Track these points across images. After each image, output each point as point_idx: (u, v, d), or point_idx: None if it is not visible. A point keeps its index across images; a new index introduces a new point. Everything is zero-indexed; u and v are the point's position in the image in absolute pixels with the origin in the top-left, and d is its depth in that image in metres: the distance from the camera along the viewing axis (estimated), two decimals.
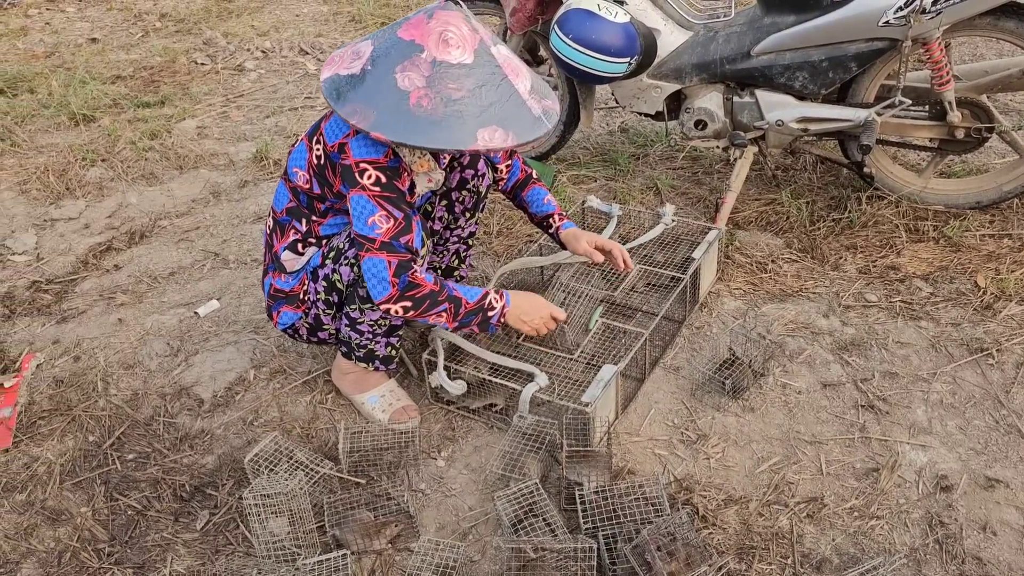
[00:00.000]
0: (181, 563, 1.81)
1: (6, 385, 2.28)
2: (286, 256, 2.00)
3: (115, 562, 1.82)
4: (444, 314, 1.83)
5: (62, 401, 2.27)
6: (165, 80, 4.54)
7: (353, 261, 1.90)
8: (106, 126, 3.90)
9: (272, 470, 1.92)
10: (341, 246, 1.93)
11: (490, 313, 1.87)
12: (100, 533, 1.89)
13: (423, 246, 1.88)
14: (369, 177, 1.77)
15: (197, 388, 2.29)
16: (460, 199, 2.16)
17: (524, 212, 2.30)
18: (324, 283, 1.97)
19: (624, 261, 2.22)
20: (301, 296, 2.02)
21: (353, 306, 1.95)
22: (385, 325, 1.99)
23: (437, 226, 2.21)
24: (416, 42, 1.67)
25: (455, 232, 2.24)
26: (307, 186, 1.92)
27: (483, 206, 2.24)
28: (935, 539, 1.78)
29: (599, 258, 2.18)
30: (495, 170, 2.22)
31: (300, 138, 1.97)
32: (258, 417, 2.19)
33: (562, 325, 2.15)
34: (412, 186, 1.89)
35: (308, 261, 2.00)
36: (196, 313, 2.59)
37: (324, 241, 1.99)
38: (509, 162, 2.23)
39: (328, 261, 1.95)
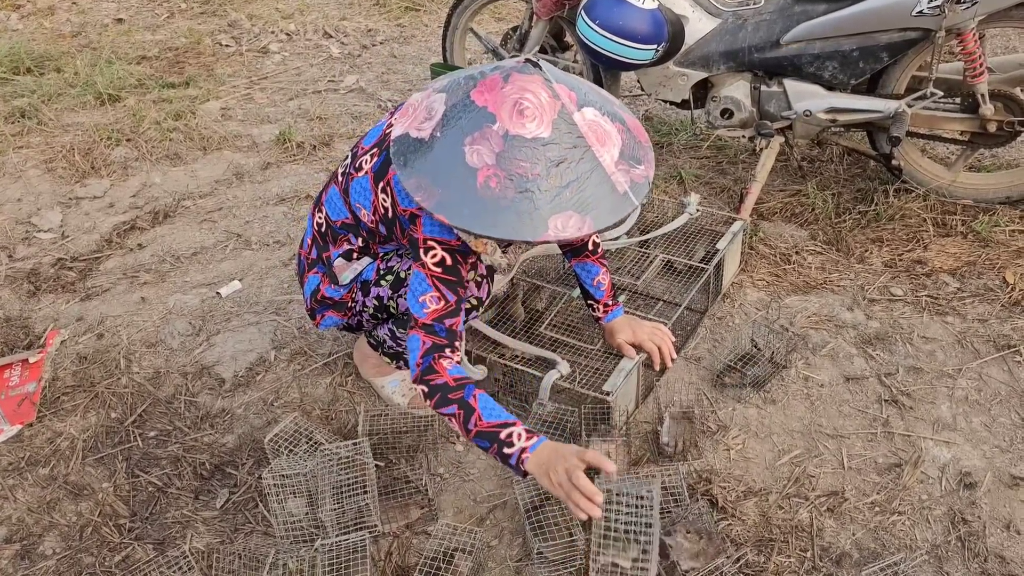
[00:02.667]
0: (200, 540, 1.82)
1: (31, 360, 2.30)
2: (339, 263, 1.92)
3: (135, 538, 1.84)
4: (453, 418, 1.63)
5: (85, 378, 2.29)
6: (190, 61, 4.55)
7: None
8: (131, 106, 3.91)
9: (292, 451, 1.93)
10: (401, 274, 1.84)
11: (506, 451, 1.59)
12: (121, 509, 1.91)
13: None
14: (434, 256, 1.64)
15: (218, 368, 2.31)
16: None
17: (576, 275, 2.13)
18: (375, 301, 1.90)
19: (663, 356, 2.03)
20: (348, 304, 1.96)
21: (400, 328, 1.92)
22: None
23: None
24: (489, 110, 1.47)
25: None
26: (372, 225, 1.81)
27: None
28: (957, 536, 1.76)
29: (632, 355, 2.02)
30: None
31: (360, 154, 1.82)
32: (278, 398, 2.20)
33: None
34: (476, 264, 1.80)
35: (361, 273, 1.91)
36: (218, 293, 2.60)
37: (380, 256, 1.90)
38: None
39: (384, 283, 1.86)
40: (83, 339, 2.44)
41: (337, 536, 1.74)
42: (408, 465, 1.95)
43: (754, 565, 1.71)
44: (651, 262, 2.45)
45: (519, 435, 1.59)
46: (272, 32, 4.94)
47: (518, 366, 2.04)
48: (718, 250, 2.39)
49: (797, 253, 2.66)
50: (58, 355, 2.38)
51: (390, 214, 1.73)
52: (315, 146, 3.53)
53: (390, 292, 1.86)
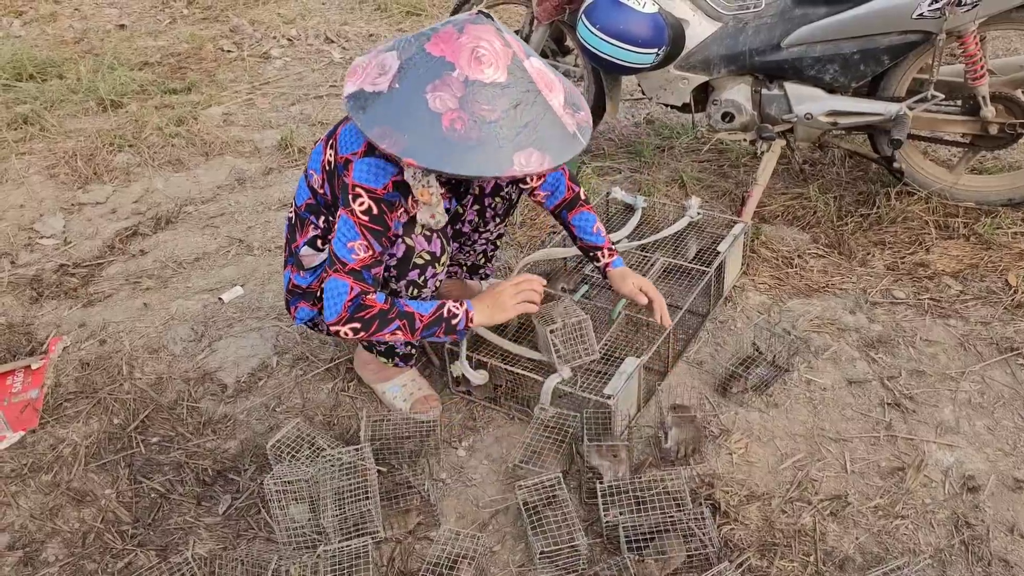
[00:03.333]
0: (203, 546, 1.82)
1: (33, 367, 2.30)
2: (305, 251, 1.97)
3: (138, 544, 1.84)
4: (399, 331, 1.77)
5: (88, 384, 2.29)
6: (192, 67, 4.56)
7: None
8: (133, 112, 3.92)
9: (294, 456, 1.93)
10: None
11: (453, 321, 1.81)
12: (123, 515, 1.91)
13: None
14: (361, 204, 1.71)
15: (220, 373, 2.31)
16: (492, 205, 2.13)
17: (568, 234, 2.20)
18: None
19: (662, 316, 2.10)
20: (318, 294, 2.00)
21: None
22: None
23: (466, 228, 2.17)
24: (447, 59, 1.57)
25: (483, 235, 2.21)
26: (321, 190, 1.88)
27: (514, 211, 2.21)
28: (961, 540, 1.75)
29: (643, 300, 2.09)
30: (524, 182, 2.14)
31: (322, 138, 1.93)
32: (280, 403, 2.20)
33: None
34: (411, 221, 1.83)
35: (327, 259, 1.97)
36: (220, 299, 2.60)
37: None
38: (541, 180, 2.13)
39: None
40: (85, 345, 2.45)
41: (339, 542, 1.74)
42: (410, 470, 1.94)
43: (757, 570, 1.70)
44: (652, 265, 2.45)
45: (454, 306, 1.82)
46: (274, 37, 4.95)
47: (519, 371, 2.04)
48: (718, 252, 2.38)
49: (799, 256, 2.66)
50: (60, 361, 2.38)
51: (332, 167, 1.81)
52: None
53: None
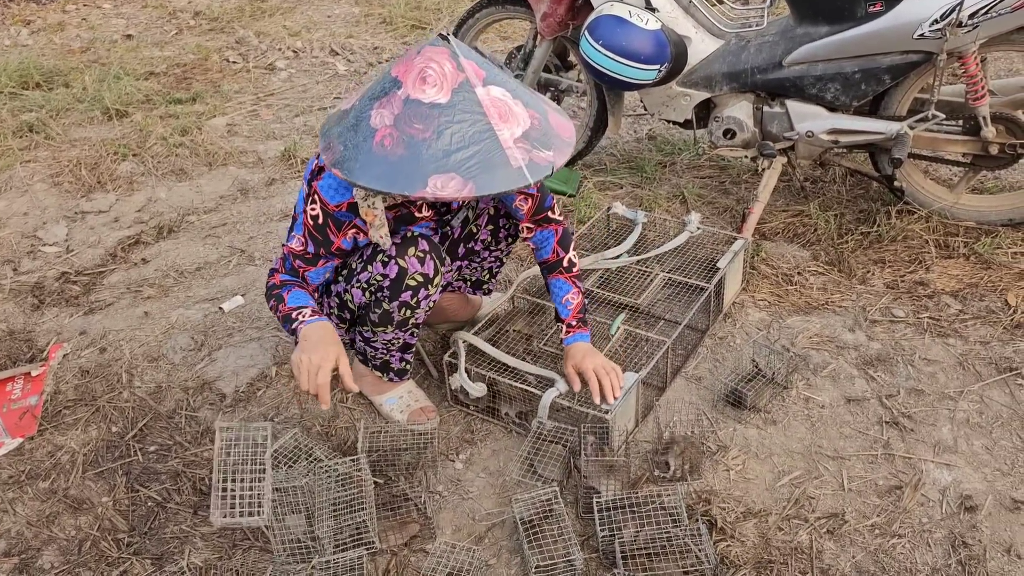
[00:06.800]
0: (199, 556, 1.82)
1: (33, 374, 2.31)
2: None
3: (134, 552, 1.84)
4: (273, 311, 1.87)
5: (87, 391, 2.30)
6: (197, 77, 4.59)
7: (365, 285, 1.87)
8: (138, 122, 3.94)
9: (291, 467, 1.93)
10: (353, 266, 1.90)
11: (293, 325, 1.81)
12: (120, 523, 1.91)
13: (321, 282, 1.94)
14: (313, 209, 1.79)
15: (219, 383, 2.31)
16: (506, 226, 2.14)
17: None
18: (336, 299, 1.97)
19: (602, 390, 1.97)
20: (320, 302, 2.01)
21: (365, 327, 1.95)
22: (399, 343, 1.99)
23: (478, 246, 2.16)
24: (399, 78, 1.57)
25: (493, 253, 2.21)
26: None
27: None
28: (958, 560, 1.75)
29: (575, 384, 2.01)
30: (515, 224, 2.12)
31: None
32: (279, 414, 2.20)
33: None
34: (405, 242, 1.83)
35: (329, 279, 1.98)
36: (221, 308, 2.61)
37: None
38: (529, 224, 2.07)
39: (340, 279, 1.94)
40: (85, 353, 2.45)
41: (334, 553, 1.74)
42: (407, 482, 1.94)
43: None
44: (652, 280, 2.46)
45: (305, 314, 1.81)
46: (279, 49, 4.98)
47: (517, 384, 2.04)
48: (718, 268, 2.39)
49: (799, 273, 2.66)
50: (60, 369, 2.39)
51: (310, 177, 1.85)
52: None
53: (344, 285, 1.92)
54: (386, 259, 1.82)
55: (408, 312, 1.88)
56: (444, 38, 1.58)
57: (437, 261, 1.87)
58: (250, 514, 1.71)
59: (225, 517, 1.70)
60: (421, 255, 1.84)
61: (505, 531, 1.86)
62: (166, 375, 2.35)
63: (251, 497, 1.74)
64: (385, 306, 1.86)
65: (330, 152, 1.60)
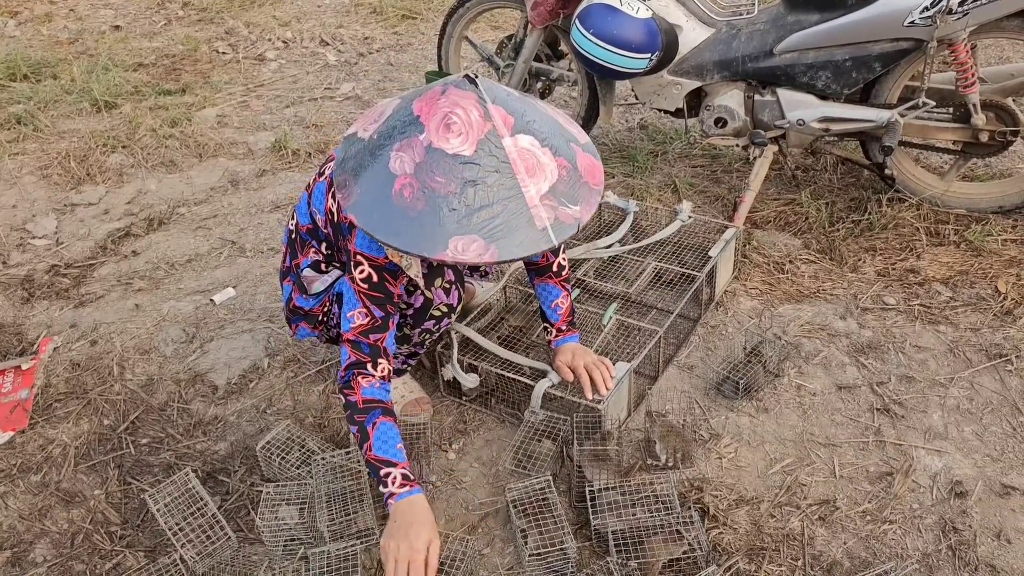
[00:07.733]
0: (192, 548, 1.82)
1: (23, 367, 2.30)
2: (307, 274, 1.92)
3: (126, 545, 1.84)
4: (353, 437, 1.73)
5: (78, 384, 2.29)
6: (186, 69, 4.56)
7: None
8: (127, 113, 3.92)
9: (284, 458, 1.92)
10: None
11: (381, 488, 1.67)
12: (112, 516, 1.91)
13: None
14: (361, 272, 1.67)
15: (211, 375, 2.31)
16: None
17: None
18: None
19: (594, 383, 1.97)
20: (320, 317, 1.95)
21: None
22: (407, 352, 2.00)
23: None
24: (421, 120, 1.44)
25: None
26: (325, 229, 1.83)
27: None
28: (948, 545, 1.76)
29: (567, 376, 1.99)
30: None
31: (329, 159, 1.85)
32: (271, 405, 2.20)
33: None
34: (431, 273, 1.79)
35: (332, 285, 1.90)
36: (212, 300, 2.60)
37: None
38: None
39: None
40: (76, 346, 2.44)
41: (329, 544, 1.74)
42: None
43: (745, 574, 1.71)
44: (643, 270, 2.46)
45: (395, 478, 1.66)
46: (269, 40, 4.95)
47: (510, 375, 2.04)
48: (710, 256, 2.39)
49: (790, 262, 2.66)
50: (51, 362, 2.38)
51: (335, 219, 1.75)
52: (310, 154, 3.54)
53: None
54: (411, 288, 1.79)
55: (427, 336, 1.92)
56: (472, 81, 1.46)
57: (461, 291, 1.89)
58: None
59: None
60: (447, 286, 1.85)
61: (498, 520, 1.86)
62: (158, 367, 2.35)
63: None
64: (406, 331, 1.88)
65: (346, 192, 1.49)
